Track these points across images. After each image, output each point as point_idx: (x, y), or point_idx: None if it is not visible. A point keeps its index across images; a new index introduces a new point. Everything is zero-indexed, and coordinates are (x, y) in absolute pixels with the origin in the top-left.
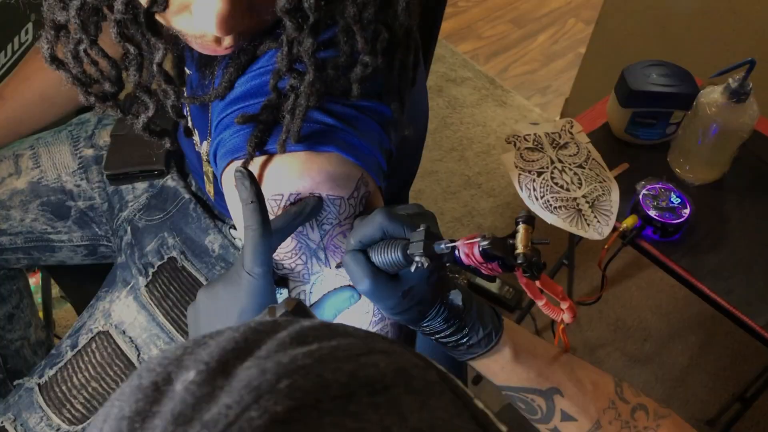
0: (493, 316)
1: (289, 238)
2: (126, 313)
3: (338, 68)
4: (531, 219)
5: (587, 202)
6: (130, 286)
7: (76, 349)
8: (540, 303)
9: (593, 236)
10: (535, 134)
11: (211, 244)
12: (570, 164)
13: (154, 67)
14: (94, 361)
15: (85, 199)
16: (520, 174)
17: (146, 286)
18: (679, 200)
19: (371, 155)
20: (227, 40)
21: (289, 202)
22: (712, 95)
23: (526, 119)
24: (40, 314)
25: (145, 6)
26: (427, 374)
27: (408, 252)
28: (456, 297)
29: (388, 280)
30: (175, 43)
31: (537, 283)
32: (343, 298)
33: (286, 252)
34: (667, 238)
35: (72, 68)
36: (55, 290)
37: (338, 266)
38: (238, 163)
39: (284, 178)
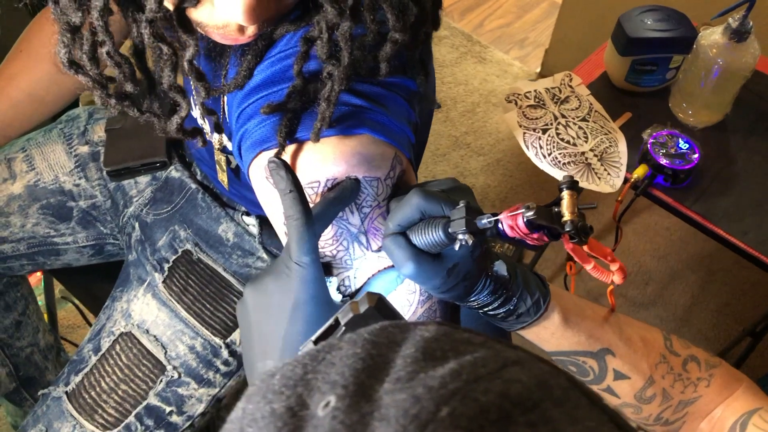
0: (538, 282)
1: (330, 225)
2: (146, 312)
3: (365, 47)
4: (575, 184)
5: (596, 155)
6: (146, 284)
7: (100, 353)
8: (588, 267)
9: (605, 189)
10: (535, 90)
11: (225, 233)
12: (573, 118)
13: (185, 64)
14: (120, 363)
15: (86, 198)
16: (524, 133)
17: (163, 282)
18: (687, 145)
19: (401, 132)
20: (251, 29)
21: (326, 188)
22: (712, 37)
23: (507, 74)
24: (45, 317)
25: (177, 2)
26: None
27: (449, 230)
28: (500, 267)
29: (431, 261)
30: None
31: (585, 247)
32: (389, 279)
33: (327, 239)
34: (678, 184)
35: (90, 71)
36: (56, 289)
37: (380, 249)
38: (267, 154)
39: (319, 165)
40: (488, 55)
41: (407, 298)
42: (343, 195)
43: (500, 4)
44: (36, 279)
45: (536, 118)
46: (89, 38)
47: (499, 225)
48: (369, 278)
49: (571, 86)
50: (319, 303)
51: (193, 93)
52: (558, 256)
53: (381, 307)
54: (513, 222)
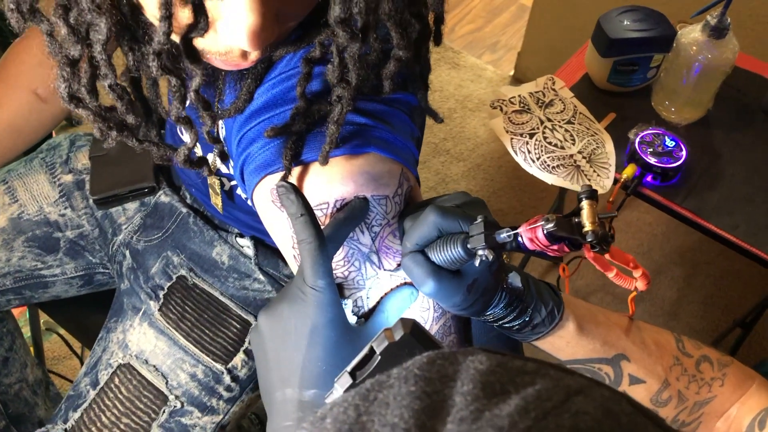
0: (550, 291)
1: (340, 247)
2: (144, 342)
3: (369, 66)
4: (594, 193)
5: (584, 157)
6: (142, 312)
7: (98, 387)
8: (611, 275)
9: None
10: (519, 96)
11: (219, 256)
12: (559, 121)
13: (192, 94)
14: (120, 396)
15: (72, 228)
16: (512, 138)
17: (159, 309)
18: (674, 143)
19: (406, 149)
20: (254, 54)
21: (335, 209)
22: (692, 35)
23: (481, 79)
24: (31, 350)
25: (184, 32)
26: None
27: (468, 246)
28: (515, 279)
29: (451, 278)
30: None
31: (606, 255)
32: (403, 297)
33: (338, 261)
34: (667, 182)
35: (90, 104)
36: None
37: (395, 268)
38: (272, 178)
39: (327, 186)
40: (461, 60)
41: (422, 315)
42: (353, 215)
43: (470, 9)
44: (19, 311)
45: (522, 123)
46: (88, 71)
47: (519, 239)
48: (382, 297)
49: (554, 89)
50: (336, 326)
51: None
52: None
53: (416, 333)
54: (533, 235)
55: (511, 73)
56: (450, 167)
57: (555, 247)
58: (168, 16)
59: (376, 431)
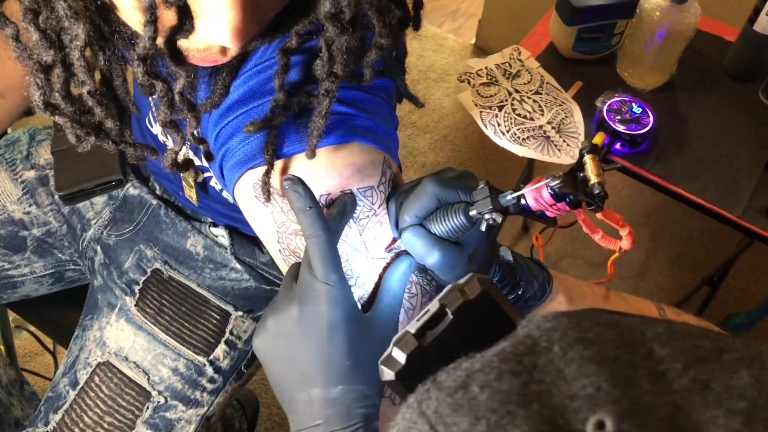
0: (538, 266)
1: None
2: (122, 338)
3: (352, 55)
4: (595, 147)
5: (553, 127)
6: (118, 309)
7: (78, 387)
8: (596, 237)
9: (566, 161)
10: (486, 68)
11: (194, 247)
12: (527, 92)
13: (177, 96)
14: (102, 395)
15: (39, 225)
16: (481, 111)
17: (136, 305)
18: (641, 109)
19: (388, 135)
20: (234, 50)
21: (323, 205)
22: (654, 0)
23: (443, 48)
24: (2, 350)
25: (169, 35)
26: None
27: (472, 213)
28: (506, 253)
29: (453, 248)
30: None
31: (598, 214)
32: (404, 268)
33: None
34: (636, 149)
35: (65, 110)
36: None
37: (388, 249)
38: (253, 173)
39: (312, 180)
40: (422, 30)
41: (409, 301)
42: (345, 209)
43: None
44: None
45: (490, 96)
46: (61, 75)
47: (522, 200)
48: (384, 277)
49: (520, 60)
50: (354, 319)
51: (152, 109)
52: (512, 226)
53: (493, 291)
54: (537, 194)
55: (473, 41)
56: (417, 140)
57: (558, 205)
58: (153, 21)
59: (563, 404)
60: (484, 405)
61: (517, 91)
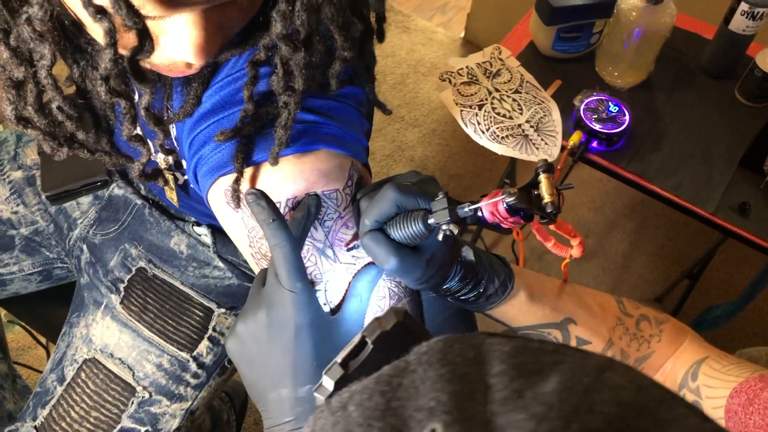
0: (501, 264)
1: None
2: (108, 335)
3: (314, 67)
4: (551, 167)
5: (531, 126)
6: (103, 306)
7: (65, 383)
8: (549, 244)
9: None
10: (467, 67)
11: (178, 246)
12: (507, 91)
13: (143, 111)
14: (88, 390)
15: (27, 224)
16: (461, 110)
17: (121, 302)
18: (617, 108)
19: (356, 141)
20: (198, 65)
21: (288, 209)
22: (631, 0)
23: (432, 42)
24: None
25: (130, 55)
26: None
27: (430, 221)
28: (468, 253)
29: (411, 253)
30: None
31: (551, 226)
32: (371, 276)
33: None
34: (612, 147)
35: (38, 123)
36: (1, 314)
37: (348, 249)
38: (225, 179)
39: (279, 186)
40: (411, 24)
41: (378, 304)
42: (309, 213)
43: None
44: None
45: (471, 95)
46: (34, 90)
47: (479, 212)
48: (351, 284)
49: (501, 59)
50: (319, 323)
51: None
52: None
53: (408, 321)
54: (493, 208)
55: (462, 34)
56: (405, 134)
57: (512, 219)
58: (113, 44)
59: (411, 416)
60: (354, 420)
61: (497, 90)
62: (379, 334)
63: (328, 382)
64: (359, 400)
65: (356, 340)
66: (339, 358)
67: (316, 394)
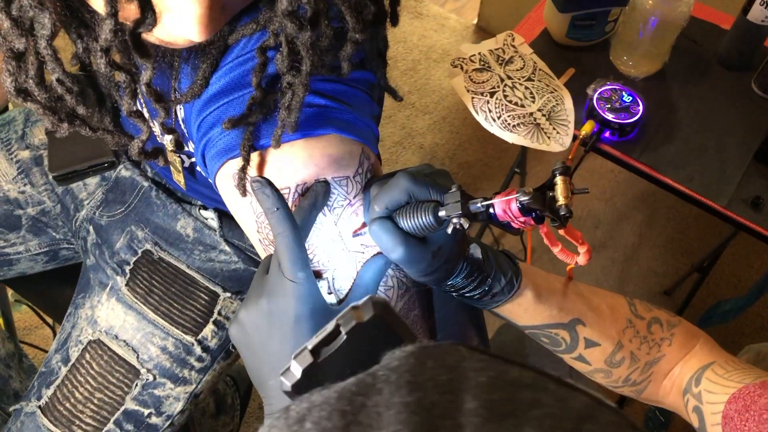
0: (508, 261)
1: None
2: (113, 317)
3: (323, 50)
4: (567, 169)
5: (543, 114)
6: (109, 288)
7: (69, 364)
8: (556, 249)
9: (555, 148)
10: (479, 53)
11: (184, 229)
12: (519, 79)
13: (144, 87)
14: (92, 371)
15: (34, 204)
16: (473, 98)
17: (126, 284)
18: (631, 98)
19: (367, 128)
20: (201, 40)
21: (297, 194)
22: None
23: (445, 28)
24: (1, 324)
25: (132, 28)
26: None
27: (441, 214)
28: (475, 250)
29: (418, 244)
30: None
31: (561, 231)
32: (379, 267)
33: None
34: (625, 137)
35: (38, 97)
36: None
37: (355, 235)
38: (233, 162)
39: (288, 171)
40: (424, 9)
41: (386, 293)
42: (317, 200)
43: None
44: None
45: (483, 82)
46: (35, 62)
47: (491, 209)
48: (359, 272)
49: (514, 46)
50: (319, 314)
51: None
52: None
53: (386, 314)
54: (506, 206)
55: (475, 21)
56: (416, 121)
57: (523, 219)
58: (114, 13)
59: None
60: None
61: (510, 78)
62: (353, 325)
63: (296, 368)
64: (317, 418)
65: (330, 327)
66: (310, 345)
67: (282, 378)
